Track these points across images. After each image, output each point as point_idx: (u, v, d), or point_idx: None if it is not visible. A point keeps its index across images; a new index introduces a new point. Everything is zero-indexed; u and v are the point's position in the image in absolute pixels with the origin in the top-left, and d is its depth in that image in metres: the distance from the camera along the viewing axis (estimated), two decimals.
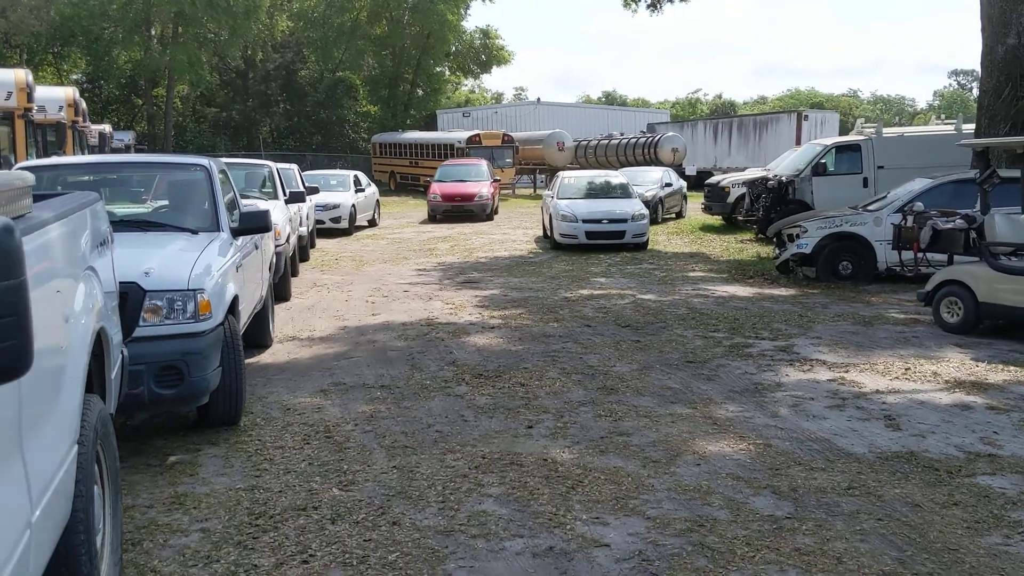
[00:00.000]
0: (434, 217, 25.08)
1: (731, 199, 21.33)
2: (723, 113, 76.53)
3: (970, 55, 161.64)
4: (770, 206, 17.69)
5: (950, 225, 9.41)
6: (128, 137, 32.69)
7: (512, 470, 5.25)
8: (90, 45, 44.04)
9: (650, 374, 7.56)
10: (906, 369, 7.66)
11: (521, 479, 5.10)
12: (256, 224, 6.94)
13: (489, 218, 25.29)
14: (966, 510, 4.61)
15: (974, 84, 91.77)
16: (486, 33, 57.86)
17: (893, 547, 4.17)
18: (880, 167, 17.02)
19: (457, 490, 4.95)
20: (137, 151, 29.93)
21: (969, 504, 4.68)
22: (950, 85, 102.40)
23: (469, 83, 71.45)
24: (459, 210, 24.85)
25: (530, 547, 4.22)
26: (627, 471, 5.22)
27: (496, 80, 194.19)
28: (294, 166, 18.17)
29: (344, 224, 20.88)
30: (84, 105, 18.76)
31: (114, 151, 24.25)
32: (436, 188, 25.58)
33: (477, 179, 26.50)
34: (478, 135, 38.45)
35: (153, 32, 46.39)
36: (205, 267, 5.66)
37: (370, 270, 14.87)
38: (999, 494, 4.82)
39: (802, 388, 7.09)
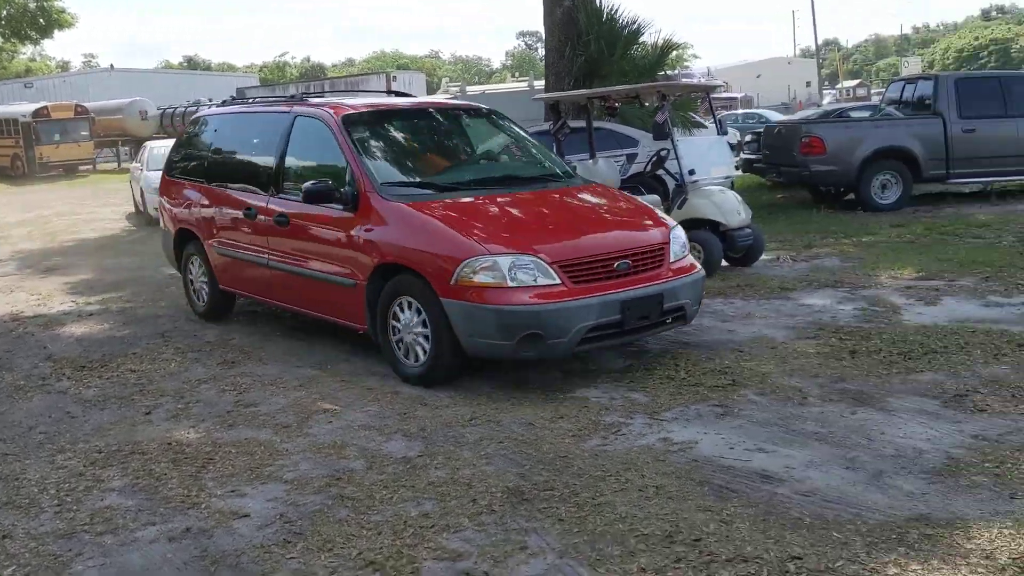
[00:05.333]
0: None
1: None
2: (314, 76, 76.25)
3: (534, 18, 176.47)
4: None
5: None
6: None
7: (134, 460, 4.93)
8: None
9: (271, 342, 7.45)
10: None
11: (145, 467, 4.81)
12: None
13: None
14: (570, 421, 5.17)
15: (539, 44, 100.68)
16: None
17: (514, 464, 4.57)
18: None
19: (74, 490, 4.55)
20: None
21: (572, 415, 5.26)
22: (519, 46, 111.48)
23: (28, 51, 63.96)
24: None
25: (164, 532, 4.02)
26: (259, 440, 5.14)
27: (61, 47, 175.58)
28: None
29: None
30: None
31: None
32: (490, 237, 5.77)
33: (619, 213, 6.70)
34: (46, 107, 34.84)
35: None
36: None
37: None
38: (595, 403, 5.48)
39: None
